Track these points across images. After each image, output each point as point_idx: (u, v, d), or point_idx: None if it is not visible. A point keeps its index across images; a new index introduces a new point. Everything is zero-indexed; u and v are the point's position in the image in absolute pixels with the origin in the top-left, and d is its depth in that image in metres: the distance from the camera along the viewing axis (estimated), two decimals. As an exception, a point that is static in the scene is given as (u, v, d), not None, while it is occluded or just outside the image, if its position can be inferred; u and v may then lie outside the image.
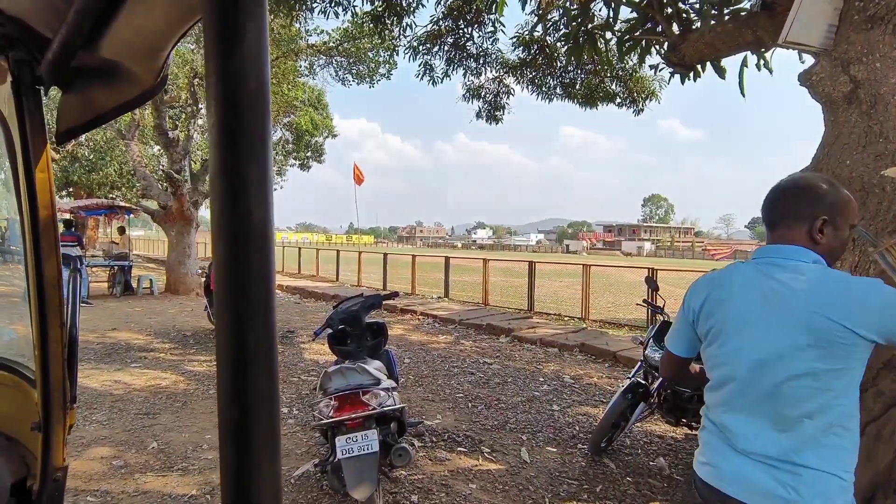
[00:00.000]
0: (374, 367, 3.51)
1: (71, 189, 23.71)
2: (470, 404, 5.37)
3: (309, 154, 20.30)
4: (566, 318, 10.74)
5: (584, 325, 9.88)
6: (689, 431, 4.47)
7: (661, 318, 4.53)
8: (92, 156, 20.39)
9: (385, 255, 16.50)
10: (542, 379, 6.34)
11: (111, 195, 21.39)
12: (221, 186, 0.36)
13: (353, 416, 3.10)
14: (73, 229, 12.21)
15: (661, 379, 4.15)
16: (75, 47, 0.84)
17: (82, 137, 20.97)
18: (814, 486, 1.33)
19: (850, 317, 1.29)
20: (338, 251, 19.24)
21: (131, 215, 16.05)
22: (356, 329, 3.92)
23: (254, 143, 0.37)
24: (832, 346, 1.32)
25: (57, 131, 1.10)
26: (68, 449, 4.12)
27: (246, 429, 0.38)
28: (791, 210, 1.47)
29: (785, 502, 1.34)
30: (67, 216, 19.53)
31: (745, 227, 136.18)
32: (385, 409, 3.20)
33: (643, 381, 4.23)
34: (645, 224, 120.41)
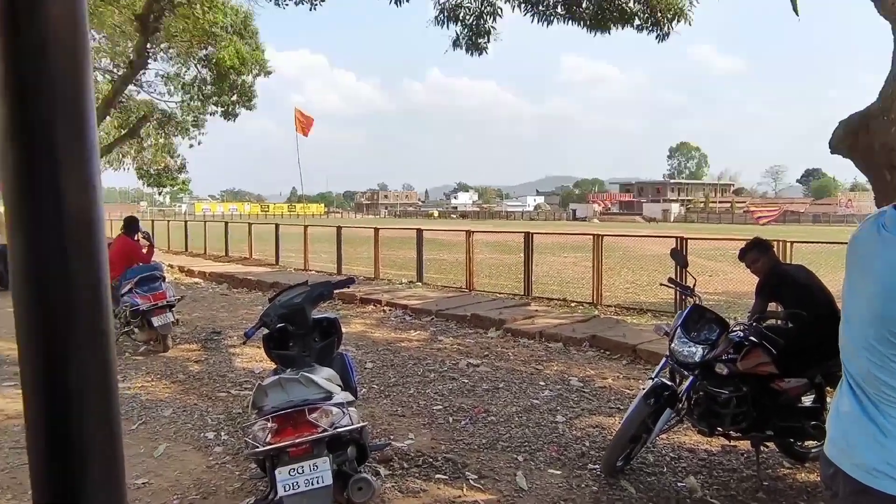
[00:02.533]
0: (325, 376, 3.51)
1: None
2: (451, 418, 5.42)
3: (235, 98, 19.83)
4: (573, 304, 10.84)
5: (596, 313, 10.00)
6: (726, 442, 4.58)
7: (692, 302, 4.59)
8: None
9: (339, 228, 16.40)
10: (542, 383, 6.43)
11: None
12: (15, 155, 0.31)
13: (298, 441, 3.10)
14: None
15: (690, 378, 4.23)
16: None
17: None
18: (874, 438, 1.68)
19: None
20: (277, 225, 19.02)
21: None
22: (300, 327, 3.90)
23: (64, 91, 0.32)
24: (887, 329, 1.58)
25: None
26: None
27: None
28: None
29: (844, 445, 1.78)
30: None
31: (798, 181, 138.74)
32: (339, 430, 3.21)
33: (669, 382, 4.30)
34: (672, 181, 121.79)
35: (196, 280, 15.64)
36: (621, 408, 5.57)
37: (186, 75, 19.59)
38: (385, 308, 10.82)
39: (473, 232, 13.19)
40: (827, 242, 10.29)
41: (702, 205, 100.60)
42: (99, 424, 0.35)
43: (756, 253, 4.56)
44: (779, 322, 4.53)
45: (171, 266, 17.40)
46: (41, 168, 0.33)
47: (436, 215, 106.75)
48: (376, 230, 14.99)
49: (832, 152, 3.29)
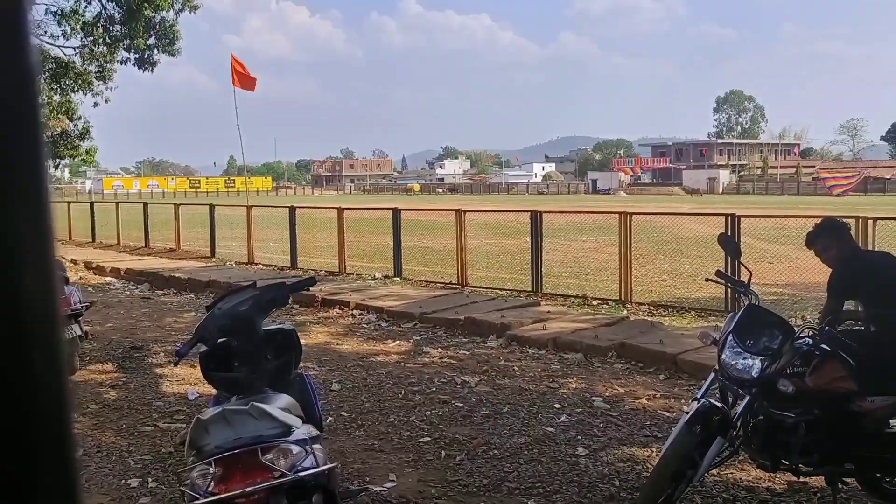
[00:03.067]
0: (281, 404, 3.53)
1: None
2: (443, 453, 5.46)
3: (152, 41, 19.63)
4: (595, 303, 10.92)
5: (624, 313, 10.09)
6: (794, 479, 4.64)
7: (747, 301, 4.63)
8: None
9: (292, 209, 16.34)
10: (557, 405, 6.48)
11: None
12: None
13: (250, 489, 3.11)
14: None
15: (747, 398, 4.27)
16: None
17: None
18: None
19: None
20: (211, 206, 18.91)
21: None
22: (247, 343, 3.90)
23: None
24: None
25: None
26: None
27: None
28: None
29: None
30: None
31: (882, 138, 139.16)
32: (302, 474, 3.23)
33: (720, 404, 4.34)
34: (720, 141, 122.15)
35: (108, 279, 15.54)
36: (659, 436, 5.63)
37: (87, 12, 19.35)
38: (354, 312, 10.82)
39: (466, 211, 13.20)
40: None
41: (759, 171, 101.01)
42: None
43: (828, 238, 4.58)
44: (859, 325, 4.58)
45: (75, 262, 17.30)
46: None
47: (417, 190, 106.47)
48: (340, 210, 14.97)
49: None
